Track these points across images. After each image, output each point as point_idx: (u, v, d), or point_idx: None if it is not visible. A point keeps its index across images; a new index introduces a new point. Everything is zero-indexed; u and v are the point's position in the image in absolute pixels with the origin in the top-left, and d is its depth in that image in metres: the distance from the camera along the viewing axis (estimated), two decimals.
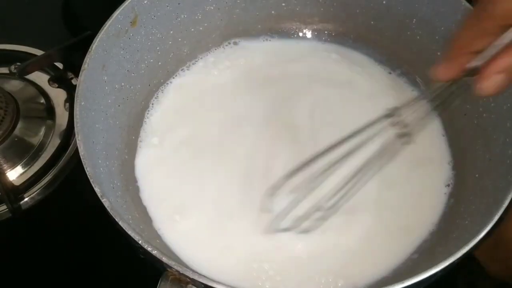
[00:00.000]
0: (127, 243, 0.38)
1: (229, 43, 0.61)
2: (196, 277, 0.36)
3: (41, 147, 0.58)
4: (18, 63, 0.59)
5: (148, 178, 0.52)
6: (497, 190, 0.42)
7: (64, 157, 0.58)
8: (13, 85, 0.62)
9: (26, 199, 0.56)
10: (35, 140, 0.58)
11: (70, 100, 0.61)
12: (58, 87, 0.62)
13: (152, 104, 0.56)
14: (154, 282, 0.37)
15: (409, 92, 0.57)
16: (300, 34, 0.61)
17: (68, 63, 0.62)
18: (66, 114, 0.61)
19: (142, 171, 0.52)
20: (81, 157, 0.41)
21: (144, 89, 0.55)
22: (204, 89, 0.58)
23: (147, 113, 0.56)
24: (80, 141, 0.42)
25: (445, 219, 0.48)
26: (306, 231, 0.46)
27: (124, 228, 0.37)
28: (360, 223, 0.48)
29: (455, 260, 0.37)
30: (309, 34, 0.61)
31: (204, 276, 0.36)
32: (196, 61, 0.60)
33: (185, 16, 0.56)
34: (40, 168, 0.57)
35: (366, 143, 0.41)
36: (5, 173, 0.56)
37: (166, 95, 0.57)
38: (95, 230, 0.53)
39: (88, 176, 0.40)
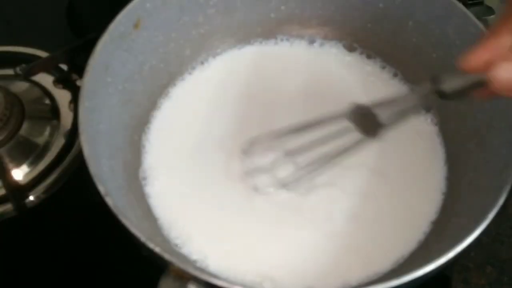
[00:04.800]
0: (131, 241, 0.39)
1: (230, 46, 0.61)
2: (198, 274, 0.36)
3: (46, 147, 0.59)
4: (23, 65, 0.59)
5: (152, 178, 0.52)
6: (491, 189, 0.42)
7: (68, 157, 0.59)
8: (18, 87, 0.62)
9: (31, 198, 0.57)
10: (40, 140, 0.59)
11: (74, 101, 0.62)
12: (62, 88, 0.63)
13: (155, 105, 0.57)
14: (158, 279, 0.38)
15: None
16: (299, 37, 0.62)
17: (72, 65, 0.62)
18: (71, 114, 0.61)
19: (146, 171, 0.53)
20: (85, 156, 0.41)
21: (147, 90, 0.55)
22: (206, 91, 0.58)
23: (150, 114, 0.56)
24: (84, 141, 0.42)
25: (440, 218, 0.49)
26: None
27: (127, 226, 0.38)
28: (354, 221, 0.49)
29: (450, 258, 0.37)
30: (307, 37, 0.62)
31: (207, 273, 0.36)
32: (198, 63, 0.60)
33: (187, 19, 0.56)
34: (45, 168, 0.58)
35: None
36: (11, 172, 0.57)
37: (169, 97, 0.57)
38: (99, 228, 0.54)
39: (92, 175, 0.40)
